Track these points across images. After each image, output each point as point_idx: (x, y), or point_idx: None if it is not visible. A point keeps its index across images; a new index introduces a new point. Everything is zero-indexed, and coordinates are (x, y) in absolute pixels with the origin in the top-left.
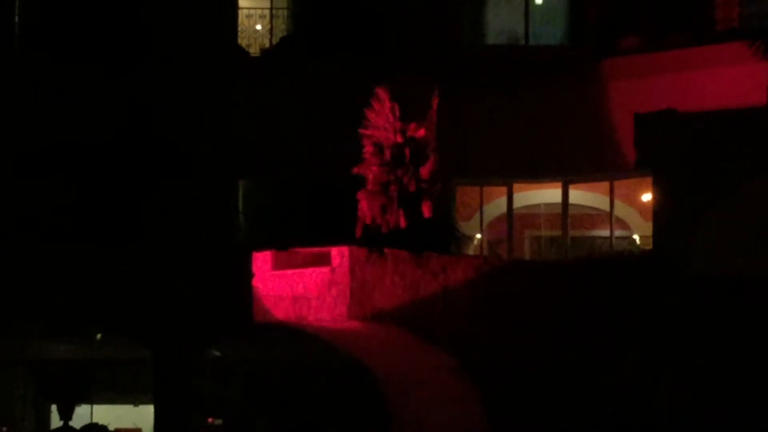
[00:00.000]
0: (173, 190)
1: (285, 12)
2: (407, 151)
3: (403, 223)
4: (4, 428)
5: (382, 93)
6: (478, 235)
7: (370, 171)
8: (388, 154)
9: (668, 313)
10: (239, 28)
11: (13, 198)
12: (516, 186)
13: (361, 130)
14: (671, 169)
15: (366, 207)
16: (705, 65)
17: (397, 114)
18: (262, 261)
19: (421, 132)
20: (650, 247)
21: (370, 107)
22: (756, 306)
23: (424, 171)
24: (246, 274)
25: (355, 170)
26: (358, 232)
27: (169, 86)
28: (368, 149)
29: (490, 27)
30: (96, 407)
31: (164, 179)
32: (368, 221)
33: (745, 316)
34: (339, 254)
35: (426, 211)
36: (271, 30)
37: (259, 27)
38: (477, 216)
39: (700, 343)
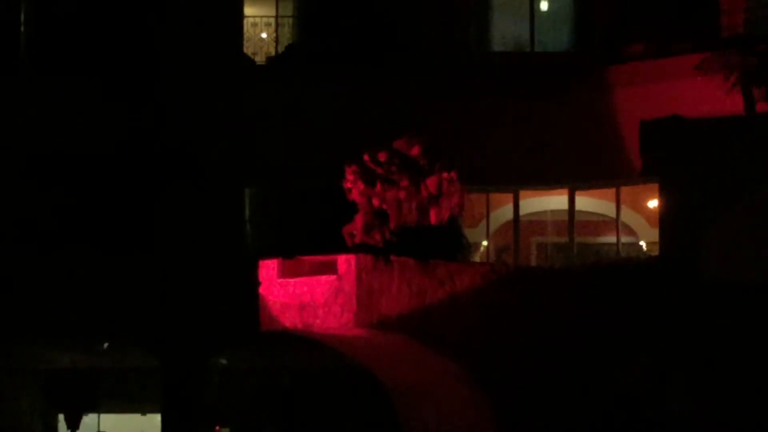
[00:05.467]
0: (180, 199)
1: (290, 20)
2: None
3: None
4: None
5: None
6: (485, 243)
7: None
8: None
9: (676, 319)
10: (245, 37)
11: (20, 206)
12: (522, 193)
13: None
14: (678, 175)
15: (360, 225)
16: (711, 71)
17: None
18: (268, 269)
19: (415, 151)
20: (657, 253)
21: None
22: (763, 312)
23: (433, 181)
24: (253, 283)
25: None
26: (349, 242)
27: (176, 95)
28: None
29: (496, 33)
30: (103, 416)
31: (171, 188)
32: (357, 240)
33: (752, 321)
34: (345, 262)
35: (433, 218)
36: (276, 38)
37: (264, 35)
38: (483, 223)
39: (708, 348)
